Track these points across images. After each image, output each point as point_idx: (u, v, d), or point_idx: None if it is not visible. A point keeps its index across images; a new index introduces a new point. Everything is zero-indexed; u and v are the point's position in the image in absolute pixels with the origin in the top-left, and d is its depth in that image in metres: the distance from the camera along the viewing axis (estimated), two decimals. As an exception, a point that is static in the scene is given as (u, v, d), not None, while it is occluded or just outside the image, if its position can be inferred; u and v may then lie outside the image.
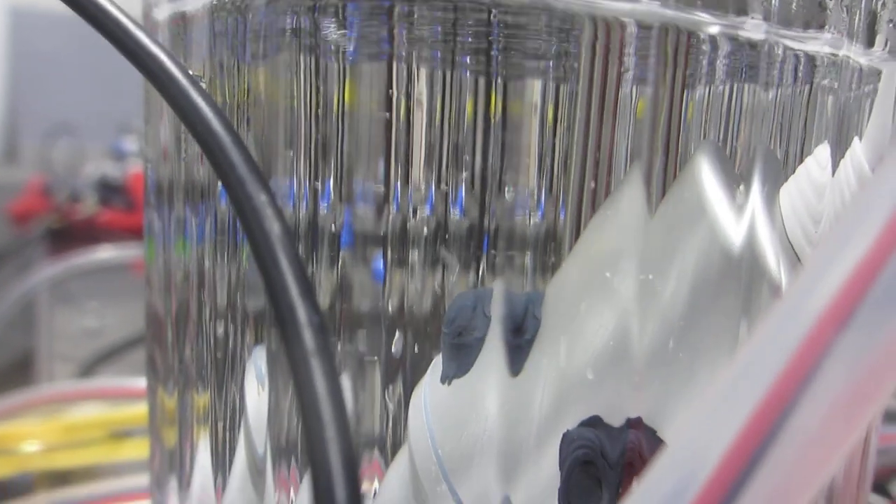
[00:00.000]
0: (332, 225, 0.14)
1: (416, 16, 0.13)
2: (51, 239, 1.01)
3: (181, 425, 0.17)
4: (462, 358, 0.13)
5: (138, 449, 0.29)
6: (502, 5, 0.12)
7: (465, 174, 0.13)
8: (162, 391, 0.18)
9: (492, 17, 0.13)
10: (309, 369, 0.08)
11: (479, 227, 0.13)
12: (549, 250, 0.13)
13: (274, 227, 0.09)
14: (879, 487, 0.27)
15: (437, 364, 0.14)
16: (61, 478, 0.29)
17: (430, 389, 0.14)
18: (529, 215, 0.13)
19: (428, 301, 0.14)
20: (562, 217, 0.13)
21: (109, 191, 1.14)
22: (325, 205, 0.14)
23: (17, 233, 1.04)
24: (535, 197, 0.13)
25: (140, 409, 0.28)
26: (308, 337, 0.08)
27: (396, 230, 0.13)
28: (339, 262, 0.14)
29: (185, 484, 0.17)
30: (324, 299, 0.14)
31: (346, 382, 0.14)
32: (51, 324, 0.96)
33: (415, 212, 0.13)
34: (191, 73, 0.12)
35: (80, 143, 1.29)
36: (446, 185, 0.13)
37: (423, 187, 0.13)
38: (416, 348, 0.14)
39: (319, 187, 0.14)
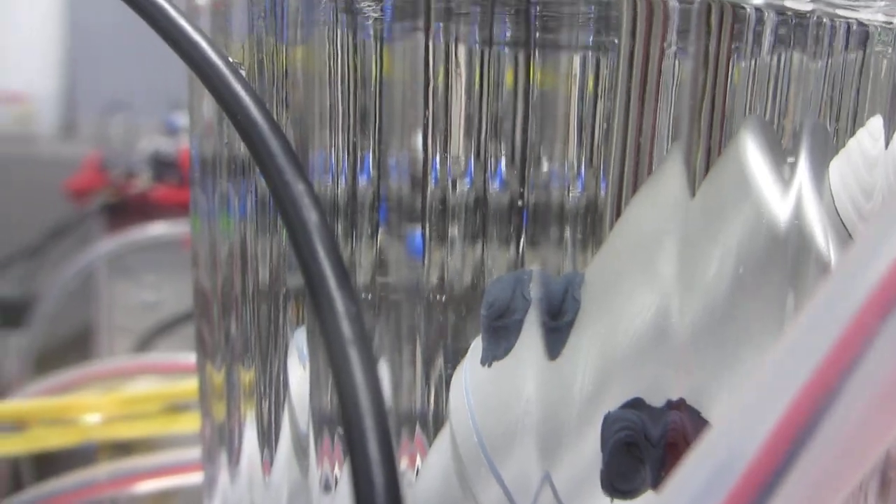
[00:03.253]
0: (372, 199, 0.14)
1: (452, 1, 0.13)
2: (107, 214, 1.03)
3: (229, 400, 0.17)
4: (502, 340, 0.13)
5: (193, 422, 0.30)
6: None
7: (504, 146, 0.13)
8: (210, 366, 0.18)
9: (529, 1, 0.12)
10: (347, 358, 0.08)
11: (520, 201, 0.13)
12: (590, 225, 0.13)
13: (312, 217, 0.09)
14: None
15: (477, 345, 0.14)
16: (121, 448, 0.31)
17: (470, 371, 0.14)
18: (569, 189, 0.13)
19: (468, 276, 0.14)
20: (603, 191, 0.13)
21: (163, 166, 1.16)
22: (365, 179, 0.14)
23: (76, 208, 1.07)
24: (576, 170, 0.13)
25: (194, 384, 0.29)
26: (346, 327, 0.08)
27: (436, 204, 0.13)
28: (379, 237, 0.14)
29: (234, 458, 0.17)
30: (364, 275, 0.14)
31: (387, 358, 0.14)
32: (110, 297, 0.99)
33: (454, 185, 0.13)
34: (231, 59, 0.12)
35: (135, 119, 1.32)
36: (485, 157, 0.13)
37: (462, 160, 0.13)
38: (456, 323, 0.14)
39: (359, 162, 0.14)
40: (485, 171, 0.13)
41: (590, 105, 0.13)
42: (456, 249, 0.14)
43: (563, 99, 0.13)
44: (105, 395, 0.32)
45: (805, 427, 0.07)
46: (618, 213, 0.13)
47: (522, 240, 0.13)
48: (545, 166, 0.13)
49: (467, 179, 0.13)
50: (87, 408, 0.32)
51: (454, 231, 0.14)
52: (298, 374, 0.15)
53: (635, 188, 0.13)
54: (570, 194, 0.13)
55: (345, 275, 0.09)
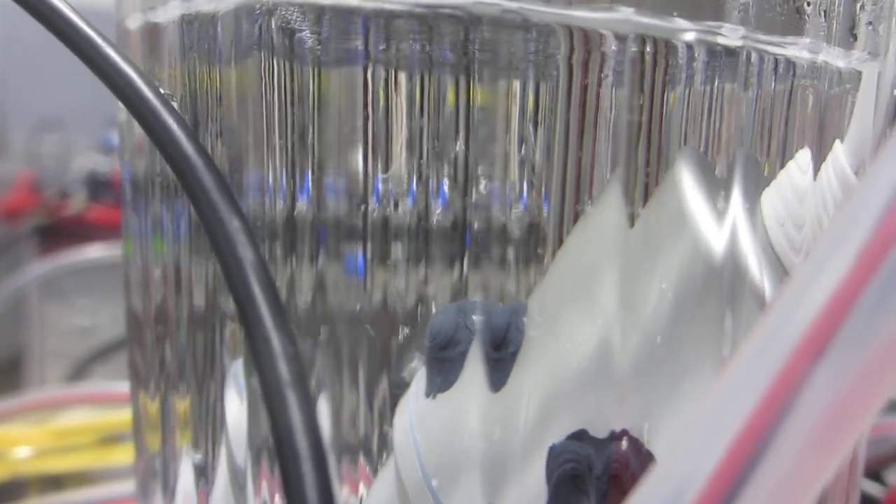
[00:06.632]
0: (311, 220, 0.13)
1: (391, 28, 0.13)
2: (40, 235, 1.00)
3: (164, 430, 0.17)
4: (446, 372, 0.13)
5: (128, 454, 0.29)
6: (477, 17, 0.12)
7: (446, 166, 0.13)
8: (144, 395, 0.18)
9: (468, 29, 0.12)
10: (284, 401, 0.08)
11: (462, 221, 0.13)
12: (533, 245, 0.13)
13: (247, 254, 0.09)
14: (874, 475, 0.27)
15: (421, 376, 0.14)
16: (53, 482, 0.29)
17: (414, 403, 0.13)
18: (511, 209, 0.13)
19: (411, 297, 0.13)
20: (545, 211, 0.13)
21: (99, 185, 1.13)
22: (304, 200, 0.13)
23: (6, 229, 1.03)
24: (518, 190, 0.13)
25: (130, 414, 0.28)
26: (283, 368, 0.08)
27: (377, 223, 0.13)
28: (319, 258, 0.13)
29: (169, 491, 0.17)
30: (304, 298, 0.13)
31: (328, 384, 0.14)
32: (41, 322, 0.95)
33: (396, 205, 0.13)
34: (162, 91, 0.11)
35: (69, 138, 1.28)
36: (427, 177, 0.13)
37: (404, 180, 0.13)
38: (400, 346, 0.14)
39: (297, 182, 0.13)
40: (427, 191, 0.13)
41: (530, 126, 0.13)
42: (398, 270, 0.13)
43: (503, 119, 0.13)
44: (36, 426, 0.31)
45: (744, 470, 0.07)
46: (560, 233, 0.13)
47: (465, 260, 0.13)
48: (487, 186, 0.13)
49: (409, 199, 0.13)
50: (16, 440, 0.30)
51: (397, 251, 0.13)
52: (235, 406, 0.15)
53: (577, 209, 0.13)
54: (513, 214, 0.13)
55: (282, 313, 0.09)
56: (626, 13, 0.12)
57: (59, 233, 0.98)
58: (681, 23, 0.12)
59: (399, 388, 0.14)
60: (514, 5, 0.12)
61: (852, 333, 0.07)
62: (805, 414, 0.07)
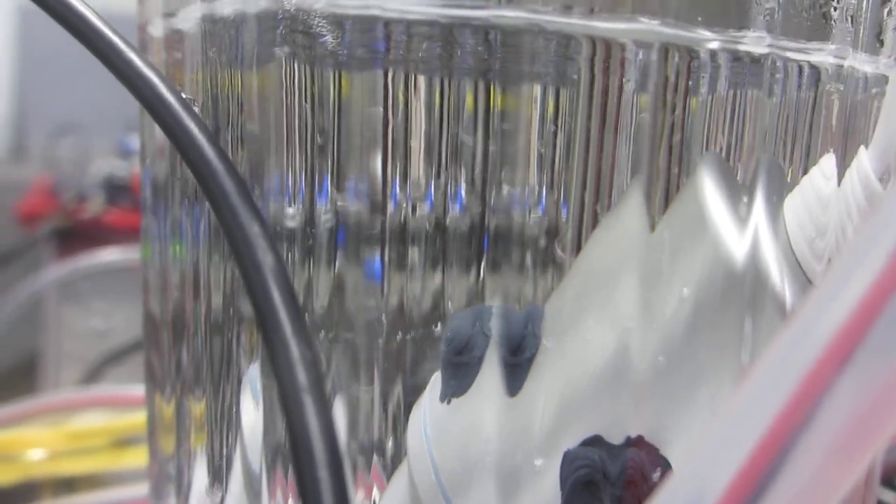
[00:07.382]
0: (330, 224, 0.13)
1: (412, 36, 0.13)
2: (57, 239, 1.01)
3: (179, 433, 0.17)
4: (461, 377, 0.13)
5: (142, 457, 0.29)
6: (498, 27, 0.12)
7: (464, 170, 0.13)
8: (159, 397, 0.18)
9: (489, 37, 0.12)
10: (301, 406, 0.08)
11: (480, 225, 0.13)
12: (551, 250, 0.13)
13: (267, 259, 0.09)
14: (890, 482, 0.27)
15: (436, 381, 0.13)
16: (66, 485, 0.30)
17: (429, 407, 0.13)
18: (530, 213, 0.13)
19: (428, 301, 0.13)
20: (564, 216, 0.13)
21: (117, 189, 1.14)
22: (323, 203, 0.13)
23: (24, 233, 1.04)
24: (536, 195, 0.13)
25: (143, 417, 0.28)
26: (301, 374, 0.08)
27: (395, 228, 0.13)
28: (337, 262, 0.13)
29: (183, 495, 0.17)
30: (321, 301, 0.13)
31: (343, 387, 0.14)
32: (58, 324, 0.96)
33: (414, 209, 0.13)
34: (184, 95, 0.11)
35: (87, 141, 1.29)
36: (446, 181, 0.13)
37: (422, 183, 0.13)
38: (415, 350, 0.14)
39: (317, 186, 0.13)
40: (445, 195, 0.13)
41: (550, 131, 0.13)
42: (416, 274, 0.13)
43: (523, 124, 0.13)
44: (50, 429, 0.31)
45: (764, 477, 0.07)
46: (578, 238, 0.13)
47: (483, 264, 0.13)
48: (506, 190, 0.13)
49: (428, 203, 0.13)
50: (30, 443, 0.31)
51: (414, 255, 0.13)
52: (251, 411, 0.15)
53: (595, 214, 0.13)
54: (531, 219, 0.13)
55: (300, 318, 0.09)
56: (649, 24, 0.12)
57: (76, 236, 0.99)
58: (705, 33, 0.12)
59: (414, 393, 0.14)
60: (535, 17, 0.12)
61: (877, 343, 0.07)
62: (827, 424, 0.07)
